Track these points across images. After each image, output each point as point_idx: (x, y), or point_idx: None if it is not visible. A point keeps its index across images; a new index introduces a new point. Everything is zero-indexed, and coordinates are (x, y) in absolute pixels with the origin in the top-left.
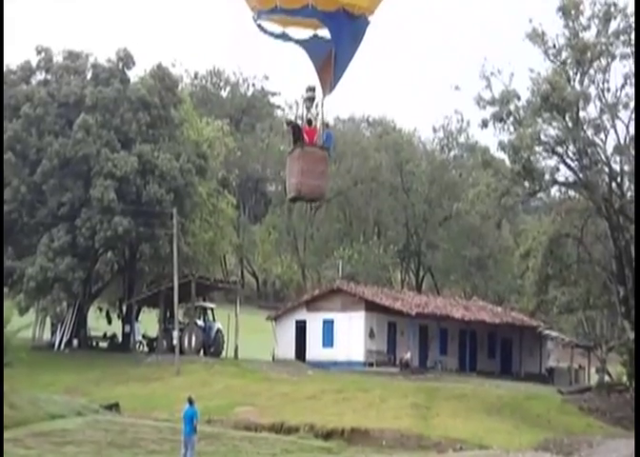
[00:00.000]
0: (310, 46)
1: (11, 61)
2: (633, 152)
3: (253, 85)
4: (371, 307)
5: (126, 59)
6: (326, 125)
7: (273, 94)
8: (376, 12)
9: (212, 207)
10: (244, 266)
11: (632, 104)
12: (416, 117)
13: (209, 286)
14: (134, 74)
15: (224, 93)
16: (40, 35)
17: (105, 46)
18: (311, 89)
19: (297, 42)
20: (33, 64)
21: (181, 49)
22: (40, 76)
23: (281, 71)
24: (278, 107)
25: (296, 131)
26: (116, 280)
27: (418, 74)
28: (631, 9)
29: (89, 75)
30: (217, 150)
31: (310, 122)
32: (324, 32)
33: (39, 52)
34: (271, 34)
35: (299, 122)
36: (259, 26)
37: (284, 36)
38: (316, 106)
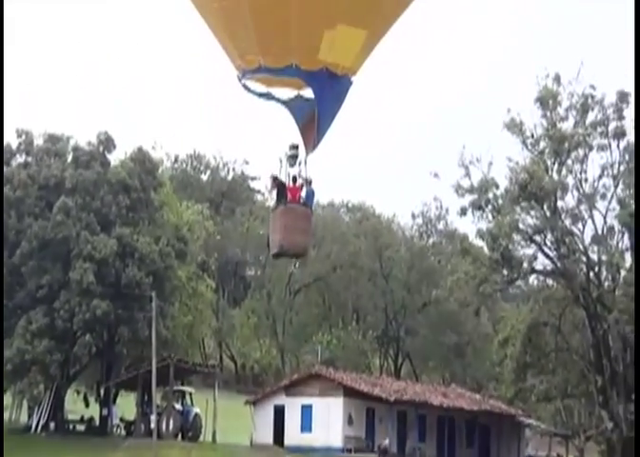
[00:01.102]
0: (293, 105)
1: None
2: (610, 242)
3: (234, 169)
4: (350, 392)
5: (106, 142)
6: (308, 182)
7: (253, 179)
8: (358, 98)
9: (192, 290)
10: (222, 349)
11: (609, 194)
12: (395, 203)
13: (187, 369)
14: (115, 157)
15: (204, 177)
16: (21, 117)
17: (86, 128)
18: (294, 147)
19: (281, 102)
20: (14, 146)
21: (162, 131)
22: (20, 159)
23: (261, 156)
24: (258, 191)
25: (280, 188)
26: (94, 363)
27: (397, 160)
28: (608, 100)
29: (69, 158)
30: (197, 234)
31: (294, 179)
32: (307, 92)
33: (19, 135)
34: (256, 93)
35: (283, 179)
36: (244, 85)
37: (268, 95)
38: (299, 164)
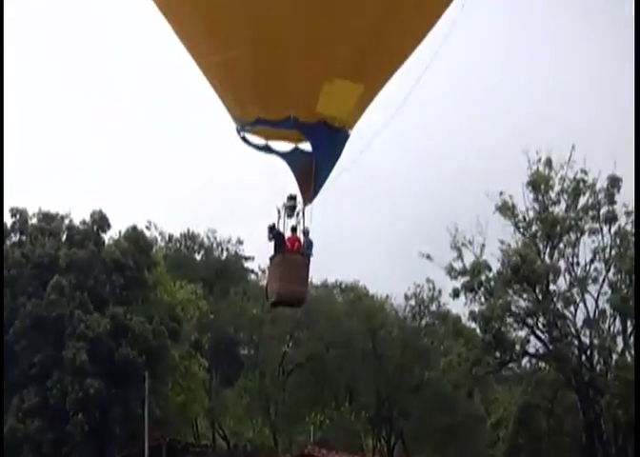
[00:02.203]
0: (291, 158)
1: None
2: (602, 326)
3: (227, 249)
4: None
5: (100, 221)
6: (306, 233)
7: (247, 259)
8: (344, 180)
9: (185, 369)
10: (215, 429)
11: (601, 278)
12: (388, 283)
13: (180, 449)
14: (109, 236)
15: (198, 257)
16: (14, 196)
17: (80, 205)
18: (293, 198)
19: (279, 154)
20: (8, 225)
21: (156, 210)
22: (15, 238)
23: (255, 236)
24: (252, 271)
25: (278, 238)
26: (87, 442)
27: (388, 238)
28: (600, 185)
29: (63, 237)
30: (190, 313)
31: (294, 229)
32: (305, 145)
33: (14, 214)
34: (254, 146)
35: (281, 229)
36: (243, 138)
37: (266, 148)
38: (297, 215)
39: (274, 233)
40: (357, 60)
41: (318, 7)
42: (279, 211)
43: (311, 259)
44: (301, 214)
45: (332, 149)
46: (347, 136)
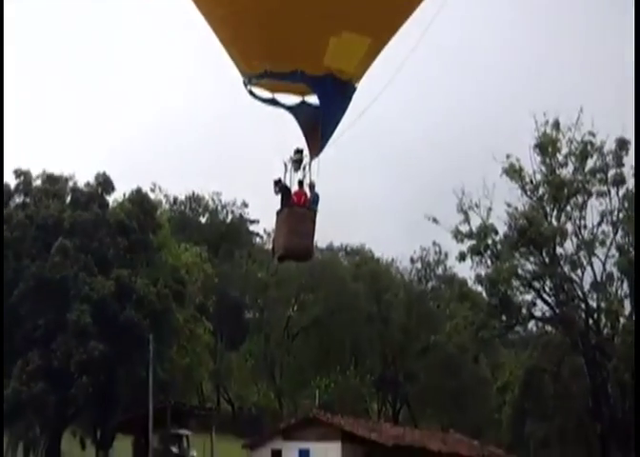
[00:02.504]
0: (298, 111)
1: None
2: (609, 289)
3: (232, 212)
4: (348, 437)
5: (105, 184)
6: (312, 186)
7: (252, 222)
8: (350, 139)
9: (189, 333)
10: (220, 392)
11: (609, 241)
12: (394, 247)
13: (185, 412)
14: (113, 198)
15: (202, 219)
16: (19, 157)
17: (85, 168)
18: (299, 152)
19: (286, 107)
20: (12, 187)
21: (161, 173)
22: (18, 199)
23: (260, 199)
24: (257, 234)
25: (285, 192)
26: (91, 405)
27: (395, 202)
28: (607, 147)
29: (67, 199)
30: (195, 276)
31: (300, 183)
32: (311, 98)
33: (18, 176)
34: (261, 99)
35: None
36: (249, 91)
37: (273, 101)
38: (303, 168)
39: (280, 187)
40: (364, 13)
41: None
42: (285, 165)
43: (317, 214)
44: (307, 168)
45: (340, 102)
46: (354, 89)
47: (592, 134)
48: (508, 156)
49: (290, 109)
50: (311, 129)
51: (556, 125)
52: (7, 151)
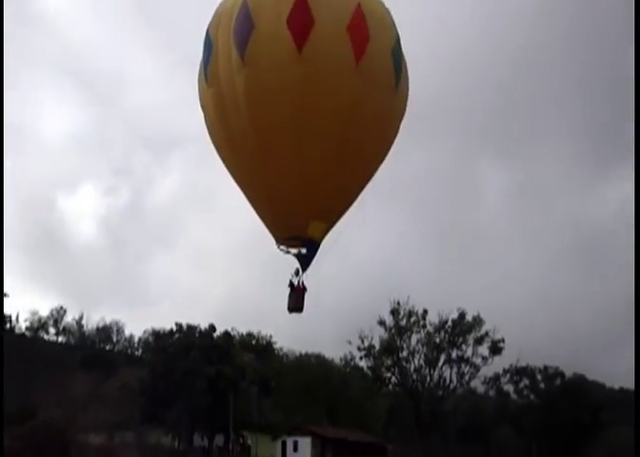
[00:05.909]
0: (298, 256)
1: None
2: None
3: None
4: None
5: None
6: (303, 283)
7: None
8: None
9: None
10: None
11: None
12: None
13: None
14: None
15: None
16: None
17: None
18: (297, 270)
19: (293, 255)
20: None
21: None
22: None
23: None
24: None
25: (292, 286)
26: None
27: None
28: None
29: None
30: None
31: (298, 282)
32: (303, 249)
33: None
34: (284, 251)
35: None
36: (279, 247)
37: (289, 252)
38: (299, 276)
39: (290, 285)
40: (325, 210)
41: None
42: (292, 275)
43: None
44: (302, 275)
45: (314, 251)
46: (319, 245)
47: None
48: None
49: (295, 255)
50: (303, 263)
51: None
52: None
